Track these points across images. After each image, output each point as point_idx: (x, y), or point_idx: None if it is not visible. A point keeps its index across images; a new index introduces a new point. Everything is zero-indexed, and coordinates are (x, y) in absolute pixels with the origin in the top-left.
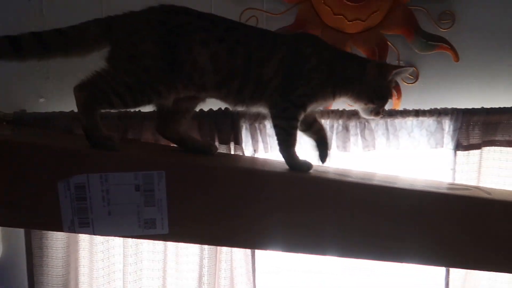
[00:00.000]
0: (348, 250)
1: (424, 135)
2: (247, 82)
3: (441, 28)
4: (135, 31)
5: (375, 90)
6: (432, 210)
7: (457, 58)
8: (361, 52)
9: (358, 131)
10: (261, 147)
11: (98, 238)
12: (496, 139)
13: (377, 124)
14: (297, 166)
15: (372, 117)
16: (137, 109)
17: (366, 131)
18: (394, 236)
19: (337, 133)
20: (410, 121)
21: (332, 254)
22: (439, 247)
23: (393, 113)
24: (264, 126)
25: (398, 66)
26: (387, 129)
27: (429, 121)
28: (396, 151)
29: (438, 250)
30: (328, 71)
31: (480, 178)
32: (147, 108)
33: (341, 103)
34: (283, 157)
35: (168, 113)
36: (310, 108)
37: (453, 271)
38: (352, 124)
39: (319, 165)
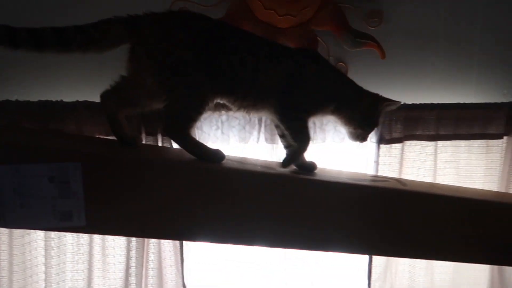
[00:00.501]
0: (276, 241)
1: None
2: (253, 90)
3: (369, 26)
4: (169, 37)
5: (366, 118)
6: (354, 201)
7: (383, 55)
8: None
9: None
10: None
11: (18, 231)
12: (417, 133)
13: None
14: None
15: (357, 142)
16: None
17: None
18: (320, 226)
19: (265, 126)
20: None
21: (260, 244)
22: (361, 236)
23: None
24: None
25: (389, 100)
26: (314, 123)
27: None
28: (322, 144)
29: (361, 239)
30: (330, 91)
31: (402, 170)
32: (69, 98)
33: None
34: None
35: (127, 93)
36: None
37: (376, 258)
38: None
39: (251, 159)
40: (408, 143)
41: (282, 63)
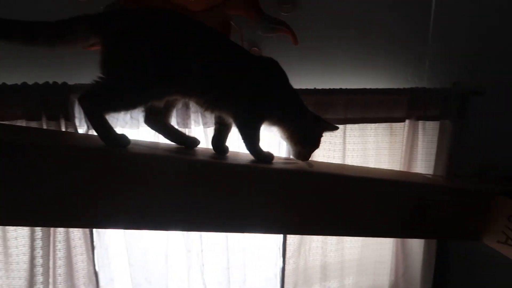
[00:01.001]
0: (190, 224)
1: None
2: (221, 94)
3: (282, 11)
4: (132, 35)
5: (307, 136)
6: (265, 183)
7: (296, 41)
8: None
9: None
10: None
11: None
12: (327, 117)
13: None
14: (262, 158)
15: (299, 160)
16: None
17: None
18: (233, 209)
19: (176, 110)
20: None
21: (174, 228)
22: (275, 217)
23: None
24: None
25: (330, 124)
26: None
27: None
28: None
29: (274, 220)
30: (284, 104)
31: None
32: None
33: None
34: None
35: (155, 109)
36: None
37: (290, 236)
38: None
39: (163, 144)
40: None
41: (243, 71)
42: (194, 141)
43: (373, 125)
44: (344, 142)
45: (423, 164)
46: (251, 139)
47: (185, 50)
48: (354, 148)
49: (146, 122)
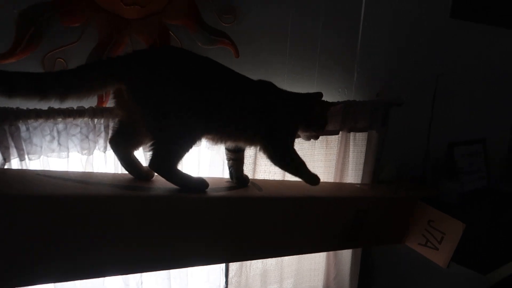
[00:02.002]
0: (129, 268)
1: None
2: (235, 125)
3: (223, 22)
4: (158, 84)
5: (318, 121)
6: (207, 214)
7: (237, 54)
8: (142, 42)
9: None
10: (15, 153)
11: None
12: None
13: None
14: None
15: (311, 140)
16: None
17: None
18: (175, 245)
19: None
20: None
21: (112, 274)
22: (219, 248)
23: None
24: (18, 129)
25: (334, 103)
26: None
27: None
28: None
29: (219, 251)
30: (292, 114)
31: (256, 169)
32: None
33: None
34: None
35: (128, 135)
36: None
37: None
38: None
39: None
40: None
41: (256, 103)
42: (149, 173)
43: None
44: None
45: (353, 174)
46: (292, 164)
47: (203, 90)
48: None
49: (110, 142)
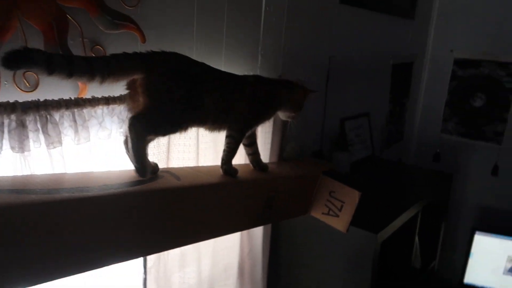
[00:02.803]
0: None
1: (116, 122)
2: (226, 116)
3: (126, 6)
4: (169, 79)
5: (299, 104)
6: (124, 210)
7: (143, 39)
8: (35, 28)
9: (39, 126)
10: None
11: None
12: None
13: (62, 116)
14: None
15: (290, 120)
16: None
17: (49, 125)
18: (88, 245)
19: (9, 132)
20: (101, 109)
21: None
22: (137, 242)
23: (80, 102)
24: None
25: (313, 90)
26: (74, 120)
27: (120, 108)
28: (87, 143)
29: (137, 245)
30: (273, 99)
31: (169, 157)
32: None
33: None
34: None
35: None
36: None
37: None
38: (29, 118)
39: None
40: None
41: (240, 93)
42: (155, 168)
43: None
44: (197, 143)
45: (262, 153)
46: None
47: (200, 88)
48: (206, 147)
49: (124, 144)
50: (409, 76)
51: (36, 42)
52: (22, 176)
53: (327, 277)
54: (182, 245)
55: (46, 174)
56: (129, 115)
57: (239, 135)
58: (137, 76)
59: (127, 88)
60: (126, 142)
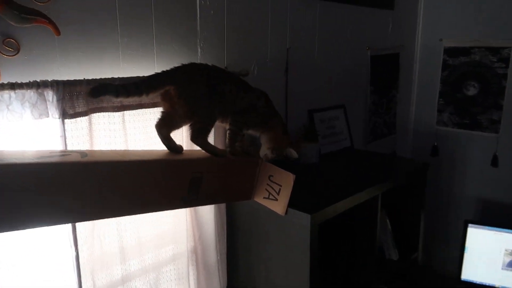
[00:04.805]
0: None
1: (27, 107)
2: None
3: (37, 1)
4: (194, 81)
5: (277, 146)
6: (43, 179)
7: (58, 32)
8: None
9: None
10: None
11: None
12: (103, 105)
13: None
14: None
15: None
16: None
17: None
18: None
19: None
20: (7, 94)
21: None
22: (60, 208)
23: None
24: None
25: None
26: None
27: (30, 93)
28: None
29: (63, 211)
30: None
31: (93, 141)
32: None
33: None
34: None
35: (169, 121)
36: None
37: (79, 224)
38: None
39: None
40: (95, 115)
41: (248, 96)
42: (180, 148)
43: (150, 110)
44: (124, 128)
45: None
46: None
47: (220, 89)
48: (135, 132)
49: (156, 126)
50: (396, 67)
51: None
52: None
53: (274, 263)
54: (96, 218)
55: None
56: (160, 116)
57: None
58: (168, 87)
59: (162, 97)
60: (160, 132)
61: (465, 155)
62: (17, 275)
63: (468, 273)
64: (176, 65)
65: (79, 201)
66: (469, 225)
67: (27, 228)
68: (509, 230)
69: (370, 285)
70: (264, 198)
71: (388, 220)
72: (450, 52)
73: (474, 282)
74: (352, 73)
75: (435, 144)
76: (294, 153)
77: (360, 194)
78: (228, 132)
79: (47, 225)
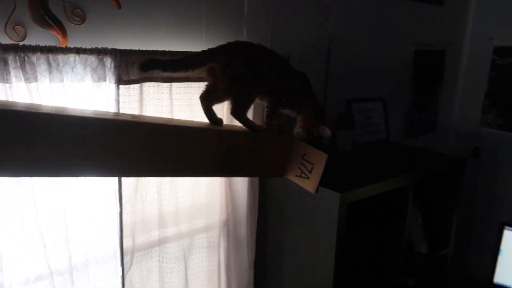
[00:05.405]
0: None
1: (89, 71)
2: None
3: None
4: (236, 59)
5: (308, 127)
6: (97, 133)
7: (119, 6)
8: None
9: (18, 64)
10: None
11: None
12: (154, 76)
13: (39, 59)
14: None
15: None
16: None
17: (27, 65)
18: (69, 157)
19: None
20: (73, 57)
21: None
22: (107, 163)
23: (54, 50)
24: None
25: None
26: (49, 63)
27: (92, 59)
28: (60, 84)
29: (107, 165)
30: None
31: (142, 108)
32: None
33: None
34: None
35: (212, 94)
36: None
37: (125, 183)
38: (10, 57)
39: None
40: (146, 84)
41: (286, 76)
42: (221, 121)
43: (196, 84)
44: (171, 99)
45: None
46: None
47: (261, 67)
48: (180, 104)
49: (200, 98)
50: (441, 64)
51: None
52: (6, 100)
53: (302, 240)
54: (140, 176)
55: (27, 102)
56: (205, 88)
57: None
58: (213, 64)
59: (207, 72)
60: (203, 103)
61: (507, 158)
62: (65, 224)
63: (501, 277)
64: (222, 43)
65: (127, 156)
66: (506, 227)
67: (78, 176)
68: None
69: (395, 275)
70: (296, 176)
71: (419, 213)
72: (500, 51)
73: (507, 286)
74: (394, 67)
75: (477, 145)
76: (327, 131)
77: (392, 181)
78: (265, 109)
79: (96, 176)
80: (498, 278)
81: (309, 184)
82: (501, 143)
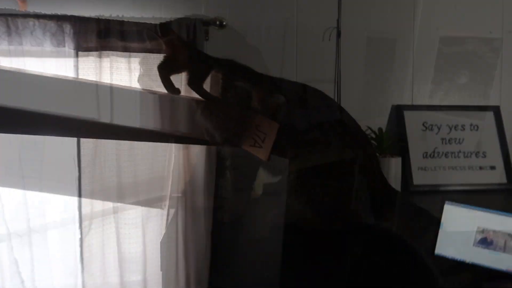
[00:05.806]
0: None
1: (48, 36)
2: None
3: None
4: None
5: None
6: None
7: None
8: None
9: None
10: None
11: None
12: (112, 45)
13: None
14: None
15: None
16: None
17: None
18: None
19: None
20: (32, 22)
21: None
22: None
23: (13, 14)
24: None
25: None
26: (8, 26)
27: (51, 24)
28: (19, 47)
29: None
30: None
31: (101, 76)
32: None
33: None
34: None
35: (170, 65)
36: None
37: (83, 147)
38: None
39: None
40: (105, 52)
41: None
42: (178, 90)
43: (156, 55)
44: (130, 68)
45: None
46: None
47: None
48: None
49: (158, 68)
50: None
51: None
52: None
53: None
54: (97, 137)
55: None
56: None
57: None
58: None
59: (166, 44)
60: (161, 73)
61: None
62: (23, 186)
63: (441, 248)
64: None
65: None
66: (446, 202)
67: (36, 134)
68: (483, 209)
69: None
70: (250, 146)
71: None
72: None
73: (447, 257)
74: None
75: None
76: (281, 98)
77: None
78: (220, 81)
79: (53, 135)
80: (438, 250)
81: (262, 153)
82: None
